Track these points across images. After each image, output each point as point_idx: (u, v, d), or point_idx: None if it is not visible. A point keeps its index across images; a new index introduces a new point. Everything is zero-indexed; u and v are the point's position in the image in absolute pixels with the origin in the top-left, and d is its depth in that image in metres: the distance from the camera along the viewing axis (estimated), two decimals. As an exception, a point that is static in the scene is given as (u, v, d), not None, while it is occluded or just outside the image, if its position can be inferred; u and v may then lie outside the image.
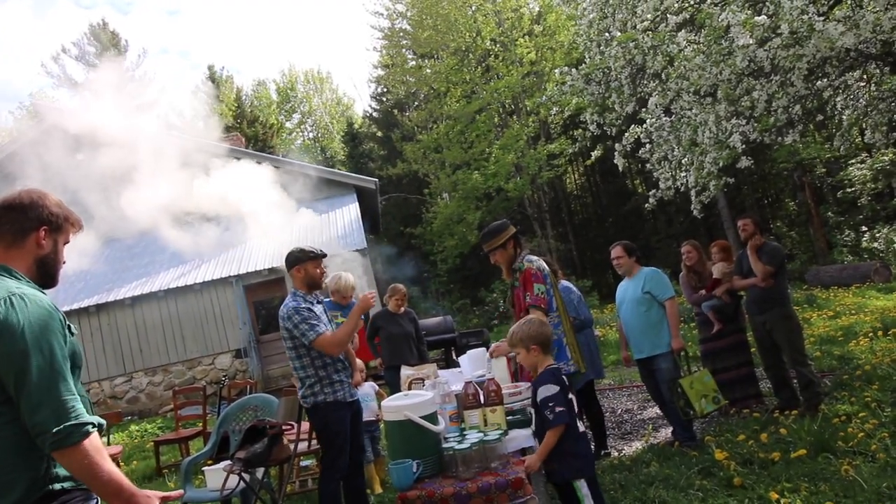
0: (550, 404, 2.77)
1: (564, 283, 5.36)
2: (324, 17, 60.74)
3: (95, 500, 1.84)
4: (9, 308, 1.69)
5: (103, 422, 1.81)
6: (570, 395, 2.89)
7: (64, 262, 1.97)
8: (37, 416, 1.64)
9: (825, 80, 6.19)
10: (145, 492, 1.78)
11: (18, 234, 1.85)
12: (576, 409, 2.91)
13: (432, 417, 2.75)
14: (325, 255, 4.06)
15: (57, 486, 1.75)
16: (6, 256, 1.84)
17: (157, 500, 1.77)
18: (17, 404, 1.66)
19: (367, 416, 4.97)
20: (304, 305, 3.78)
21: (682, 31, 5.91)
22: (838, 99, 6.72)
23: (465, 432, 2.92)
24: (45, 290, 1.89)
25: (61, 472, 1.77)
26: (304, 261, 3.91)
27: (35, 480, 1.71)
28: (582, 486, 2.81)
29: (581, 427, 2.95)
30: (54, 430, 1.63)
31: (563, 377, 2.93)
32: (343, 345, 3.76)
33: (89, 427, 1.69)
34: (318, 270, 3.97)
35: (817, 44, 4.65)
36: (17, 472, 1.69)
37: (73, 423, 1.66)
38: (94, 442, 1.70)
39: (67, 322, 1.82)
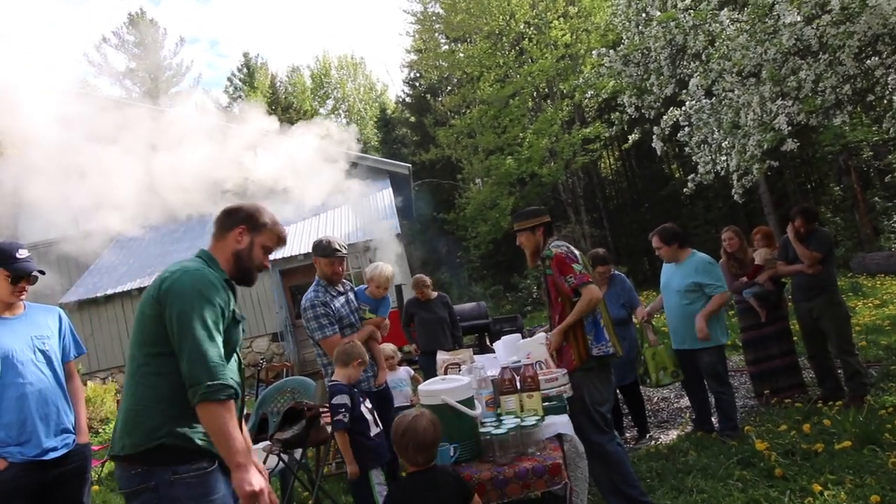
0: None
1: (616, 272, 5.41)
2: (357, 2, 60.80)
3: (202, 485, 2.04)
4: (181, 275, 2.08)
5: (239, 391, 2.13)
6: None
7: (265, 266, 2.35)
8: (194, 369, 1.97)
9: (876, 58, 5.93)
10: (258, 466, 2.11)
11: (223, 230, 2.30)
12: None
13: (469, 402, 2.74)
14: (339, 255, 3.93)
15: (170, 441, 1.98)
16: (214, 248, 2.30)
17: (260, 486, 1.99)
18: (179, 357, 1.99)
19: (401, 402, 5.02)
20: (320, 300, 3.82)
21: (725, 9, 5.72)
22: (890, 78, 6.43)
23: (501, 417, 2.92)
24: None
25: (182, 430, 2.01)
26: (317, 255, 3.95)
27: (155, 430, 1.97)
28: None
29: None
30: (207, 384, 1.95)
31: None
32: None
33: (231, 391, 2.01)
34: (330, 269, 3.92)
35: (869, 20, 4.45)
36: (150, 419, 2.00)
37: (220, 382, 1.98)
38: (231, 406, 2.02)
39: (233, 308, 2.17)
